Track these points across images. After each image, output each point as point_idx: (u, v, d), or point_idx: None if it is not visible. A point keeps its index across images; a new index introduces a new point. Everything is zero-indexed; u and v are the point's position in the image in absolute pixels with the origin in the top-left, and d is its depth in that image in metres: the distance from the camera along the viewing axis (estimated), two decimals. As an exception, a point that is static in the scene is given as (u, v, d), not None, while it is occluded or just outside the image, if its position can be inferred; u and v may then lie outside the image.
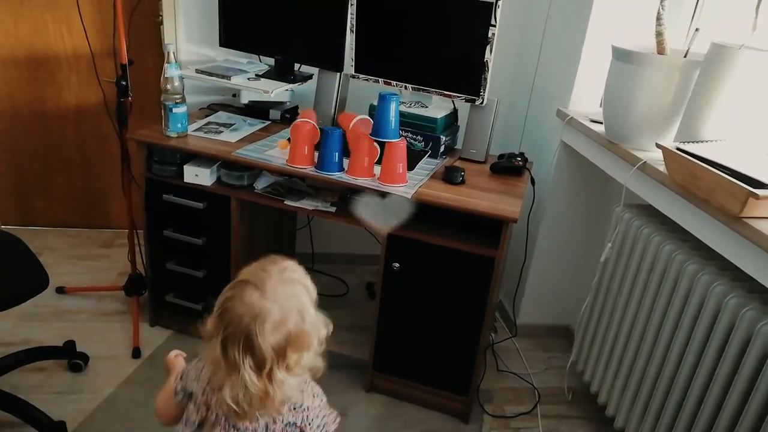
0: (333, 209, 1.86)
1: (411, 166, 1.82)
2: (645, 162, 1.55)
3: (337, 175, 1.74)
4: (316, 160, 1.78)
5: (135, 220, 2.17)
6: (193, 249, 2.01)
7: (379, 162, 1.74)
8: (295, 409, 1.00)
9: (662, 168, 1.49)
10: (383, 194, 1.71)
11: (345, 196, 1.94)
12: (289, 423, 1.00)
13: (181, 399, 1.06)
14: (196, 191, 1.92)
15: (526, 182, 1.91)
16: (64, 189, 2.74)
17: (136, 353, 2.04)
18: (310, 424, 1.01)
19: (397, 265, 1.80)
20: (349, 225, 1.83)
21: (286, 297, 0.93)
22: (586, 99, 2.03)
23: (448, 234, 1.74)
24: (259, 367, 0.90)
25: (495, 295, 1.75)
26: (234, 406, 0.92)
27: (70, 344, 1.95)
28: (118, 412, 1.78)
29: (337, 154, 1.74)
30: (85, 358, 1.95)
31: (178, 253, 2.05)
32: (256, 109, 2.19)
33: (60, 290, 2.34)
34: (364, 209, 1.74)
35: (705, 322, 1.39)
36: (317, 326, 0.96)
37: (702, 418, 1.39)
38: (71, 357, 1.93)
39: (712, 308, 1.37)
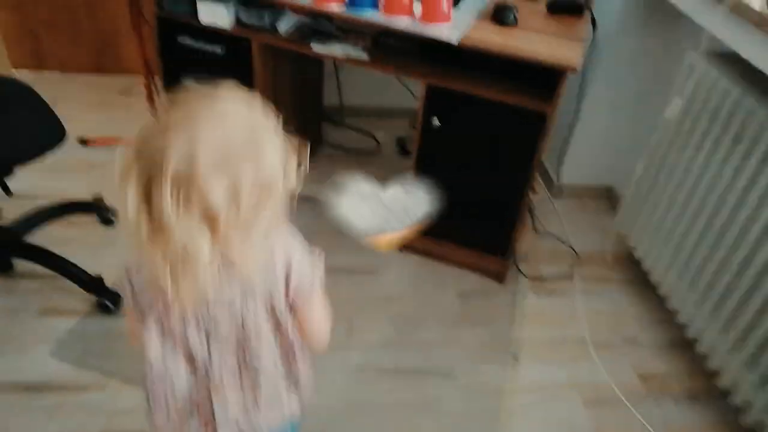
0: (365, 56, 1.66)
1: (456, 1, 1.57)
2: (739, 1, 1.29)
3: (370, 14, 1.52)
4: (346, -3, 1.55)
5: (150, 66, 2.00)
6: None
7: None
8: (267, 267, 0.76)
9: (758, 5, 1.24)
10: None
11: (379, 40, 1.72)
12: (269, 282, 0.77)
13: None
14: (213, 34, 1.72)
15: (587, 23, 1.66)
16: (71, 30, 2.54)
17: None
18: (290, 270, 0.77)
19: (436, 120, 1.64)
20: (383, 75, 1.64)
21: (225, 115, 0.66)
22: None
23: (494, 85, 1.55)
24: (203, 219, 0.64)
25: (543, 151, 1.60)
26: (167, 281, 0.67)
27: (99, 198, 1.90)
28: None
29: (371, -12, 1.50)
30: (115, 212, 1.91)
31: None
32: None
33: (83, 142, 2.25)
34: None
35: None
36: (280, 161, 0.69)
37: (758, 295, 1.30)
38: (102, 211, 1.89)
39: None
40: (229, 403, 0.83)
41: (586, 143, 2.14)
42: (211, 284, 0.69)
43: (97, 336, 1.59)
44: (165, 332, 0.78)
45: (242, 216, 0.65)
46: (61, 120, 1.51)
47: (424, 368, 1.61)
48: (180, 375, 0.81)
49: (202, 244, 0.65)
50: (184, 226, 0.63)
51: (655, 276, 1.72)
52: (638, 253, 1.81)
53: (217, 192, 0.63)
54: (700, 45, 1.48)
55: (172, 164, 0.61)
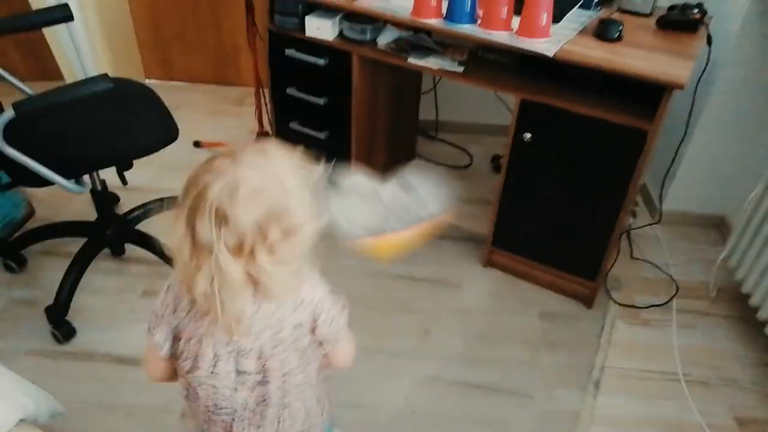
0: (460, 69, 1.67)
1: (558, 17, 1.55)
2: None
3: (468, 28, 1.53)
4: (444, 11, 1.58)
5: (261, 77, 2.15)
6: (316, 109, 1.95)
7: (519, 13, 1.50)
8: (296, 307, 0.84)
9: None
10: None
11: (476, 54, 1.73)
12: (296, 325, 0.84)
13: (168, 349, 0.86)
14: (318, 46, 1.81)
15: (701, 41, 1.57)
16: (198, 44, 2.78)
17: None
18: (318, 318, 0.85)
19: (528, 135, 1.61)
20: (478, 88, 1.64)
21: (264, 166, 0.75)
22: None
23: (592, 101, 1.50)
24: (236, 248, 0.73)
25: (642, 175, 1.52)
26: (203, 302, 0.75)
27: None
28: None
29: (469, 2, 1.51)
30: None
31: (302, 112, 2.01)
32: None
33: (197, 144, 2.46)
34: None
35: None
36: (309, 210, 0.76)
37: None
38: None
39: None
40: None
41: (695, 168, 2.00)
42: (246, 314, 0.77)
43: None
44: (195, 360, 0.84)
45: (271, 250, 0.74)
46: (176, 121, 1.66)
47: (497, 386, 1.58)
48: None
49: (235, 271, 0.73)
50: (220, 256, 0.71)
51: (764, 313, 1.56)
52: (746, 288, 1.66)
53: (248, 224, 0.71)
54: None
55: (215, 198, 0.70)
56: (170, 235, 0.74)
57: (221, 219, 0.70)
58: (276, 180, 0.74)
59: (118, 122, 1.56)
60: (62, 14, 1.64)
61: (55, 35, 2.53)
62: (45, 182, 1.42)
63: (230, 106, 2.77)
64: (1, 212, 1.90)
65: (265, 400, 0.87)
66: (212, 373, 0.83)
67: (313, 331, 0.86)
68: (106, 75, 1.33)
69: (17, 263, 1.82)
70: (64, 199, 2.11)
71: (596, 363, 1.65)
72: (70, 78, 2.60)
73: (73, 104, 1.39)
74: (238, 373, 0.83)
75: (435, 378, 1.59)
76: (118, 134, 1.53)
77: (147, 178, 2.16)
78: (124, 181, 1.65)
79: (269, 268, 0.74)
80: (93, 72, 1.47)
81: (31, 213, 2.03)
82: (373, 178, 0.99)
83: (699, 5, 1.60)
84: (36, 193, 2.07)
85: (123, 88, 1.66)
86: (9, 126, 1.28)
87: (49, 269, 1.84)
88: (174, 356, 0.86)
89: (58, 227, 1.89)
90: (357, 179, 0.99)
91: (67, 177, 1.43)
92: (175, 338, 0.85)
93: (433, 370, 1.61)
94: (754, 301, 1.63)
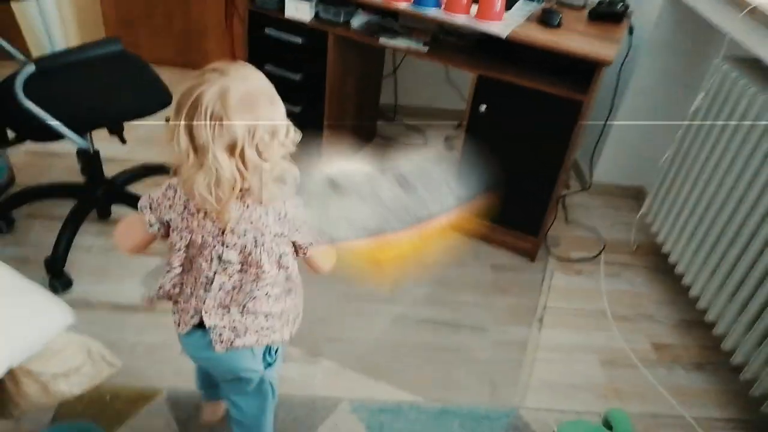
0: (425, 49, 1.92)
1: (509, 5, 1.82)
2: (755, 6, 1.50)
3: (433, 11, 1.78)
4: (412, -3, 1.81)
5: (237, 55, 2.31)
6: (291, 85, 2.14)
7: (476, 1, 1.75)
8: (280, 218, 0.99)
9: (774, 12, 1.45)
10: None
11: (437, 37, 1.98)
12: (277, 234, 0.99)
13: (157, 229, 1.02)
14: (296, 26, 2.01)
15: (625, 30, 1.88)
16: (164, 26, 2.88)
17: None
18: (298, 231, 1.01)
19: (483, 107, 1.87)
20: (434, 74, 1.88)
21: (248, 77, 0.91)
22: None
23: (539, 77, 1.78)
24: (230, 147, 0.87)
25: (579, 141, 1.81)
26: (208, 196, 0.89)
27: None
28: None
29: (435, -11, 1.76)
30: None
31: (278, 88, 2.19)
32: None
33: (167, 120, 2.57)
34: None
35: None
36: (285, 118, 0.94)
37: None
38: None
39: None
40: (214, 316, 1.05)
41: (618, 144, 2.33)
42: (235, 208, 0.93)
43: (181, 272, 1.87)
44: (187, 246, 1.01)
45: (257, 150, 0.90)
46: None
47: (458, 322, 1.83)
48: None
49: (228, 168, 0.88)
50: (216, 153, 0.86)
51: (673, 258, 1.89)
52: (659, 239, 1.99)
53: (239, 126, 0.87)
54: (723, 48, 1.68)
55: (209, 104, 0.85)
56: (170, 146, 0.89)
57: (216, 121, 0.85)
58: (260, 89, 0.91)
59: (118, 85, 1.70)
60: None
61: (24, 14, 2.58)
62: (52, 136, 1.54)
63: (197, 87, 2.89)
64: (-13, 175, 1.97)
65: (237, 287, 1.03)
66: (200, 254, 1.00)
67: (292, 243, 1.03)
68: (117, 39, 1.48)
69: (6, 223, 1.90)
70: (44, 165, 2.20)
71: (539, 304, 1.94)
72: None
73: (80, 65, 1.52)
74: (221, 261, 1.00)
75: (405, 317, 1.83)
76: (120, 95, 1.67)
77: (122, 150, 2.27)
78: (123, 140, 1.78)
79: (256, 165, 0.90)
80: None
81: (12, 179, 2.10)
82: (367, 170, 0.98)
83: (623, 1, 1.91)
84: (16, 160, 2.15)
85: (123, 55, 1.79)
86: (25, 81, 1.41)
87: (38, 230, 1.94)
88: (162, 236, 1.03)
89: (47, 189, 1.98)
90: (356, 176, 0.98)
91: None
92: (167, 227, 1.02)
93: (403, 311, 1.85)
94: (665, 249, 1.95)
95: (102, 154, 1.89)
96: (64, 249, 1.76)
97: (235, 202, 0.94)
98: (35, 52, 2.67)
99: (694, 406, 1.66)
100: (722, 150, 1.68)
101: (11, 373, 1.00)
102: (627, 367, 1.75)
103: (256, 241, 0.98)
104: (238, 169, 0.89)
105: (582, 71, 1.70)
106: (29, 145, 2.03)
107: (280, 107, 0.95)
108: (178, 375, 1.53)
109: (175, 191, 0.99)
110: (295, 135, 0.96)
